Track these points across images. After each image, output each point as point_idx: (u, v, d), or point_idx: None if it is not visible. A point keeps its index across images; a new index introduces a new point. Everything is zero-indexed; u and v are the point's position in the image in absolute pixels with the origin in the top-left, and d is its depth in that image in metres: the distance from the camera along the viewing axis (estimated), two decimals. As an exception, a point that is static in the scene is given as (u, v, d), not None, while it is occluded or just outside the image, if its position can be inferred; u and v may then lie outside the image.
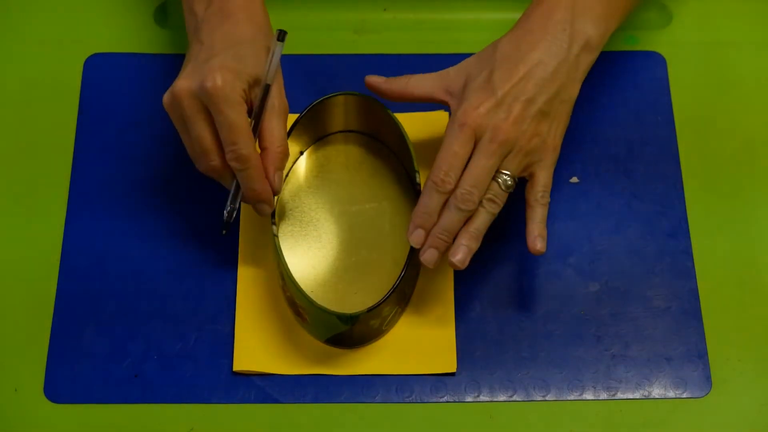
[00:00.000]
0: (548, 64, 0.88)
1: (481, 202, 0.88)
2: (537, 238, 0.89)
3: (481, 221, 0.88)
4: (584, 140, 0.99)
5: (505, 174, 0.88)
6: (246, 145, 0.86)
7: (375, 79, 0.93)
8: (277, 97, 0.89)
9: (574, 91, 0.90)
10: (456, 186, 0.87)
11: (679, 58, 1.03)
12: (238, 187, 0.88)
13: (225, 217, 0.88)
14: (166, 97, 0.87)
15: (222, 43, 0.87)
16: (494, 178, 0.88)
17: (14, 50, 1.03)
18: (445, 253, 0.89)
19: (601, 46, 0.91)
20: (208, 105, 0.86)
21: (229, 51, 0.87)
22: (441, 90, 0.91)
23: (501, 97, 0.88)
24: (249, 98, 0.87)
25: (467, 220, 0.88)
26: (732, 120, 1.01)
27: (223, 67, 0.85)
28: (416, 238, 0.89)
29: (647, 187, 0.98)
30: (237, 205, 0.89)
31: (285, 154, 0.89)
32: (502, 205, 0.89)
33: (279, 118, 0.89)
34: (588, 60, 0.90)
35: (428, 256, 0.88)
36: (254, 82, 0.87)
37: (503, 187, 0.88)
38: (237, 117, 0.85)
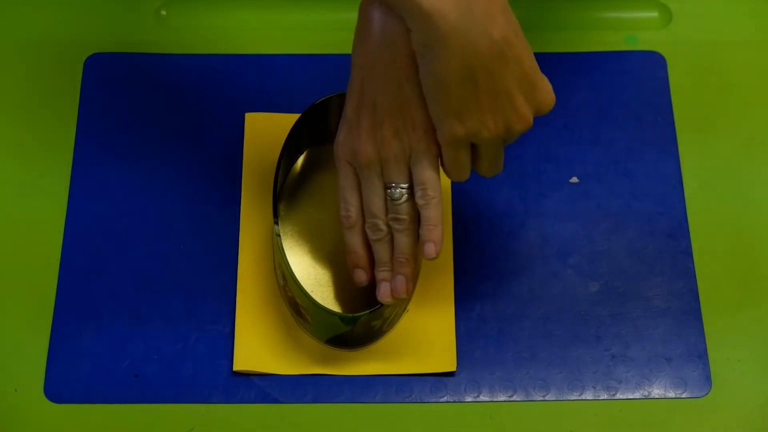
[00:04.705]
0: (368, 52, 0.79)
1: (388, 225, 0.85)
2: (425, 244, 0.83)
3: (399, 243, 0.85)
4: (584, 140, 0.99)
5: (392, 187, 0.83)
6: None
7: None
8: None
9: (404, 66, 0.78)
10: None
11: (678, 58, 1.03)
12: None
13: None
14: None
15: None
16: (386, 197, 0.84)
17: (14, 50, 1.03)
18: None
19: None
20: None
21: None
22: None
23: (349, 118, 0.83)
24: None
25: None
26: (732, 120, 1.01)
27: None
28: (357, 277, 0.88)
29: (647, 187, 0.98)
30: None
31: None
32: (409, 218, 0.84)
33: None
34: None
35: (382, 292, 0.86)
36: None
37: (396, 201, 0.83)
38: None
